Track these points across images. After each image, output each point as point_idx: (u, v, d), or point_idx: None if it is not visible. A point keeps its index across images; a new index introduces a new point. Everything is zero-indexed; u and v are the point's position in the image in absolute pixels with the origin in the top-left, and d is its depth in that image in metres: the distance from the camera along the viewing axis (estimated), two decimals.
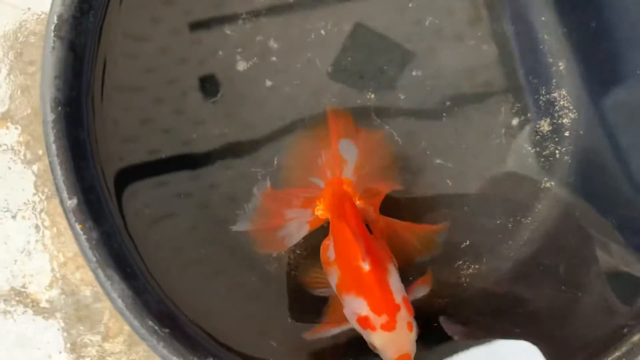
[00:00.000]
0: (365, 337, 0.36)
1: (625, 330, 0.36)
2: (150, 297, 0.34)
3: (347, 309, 0.36)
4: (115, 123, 0.38)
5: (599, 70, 0.46)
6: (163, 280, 0.35)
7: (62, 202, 0.33)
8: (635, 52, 0.45)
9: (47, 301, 0.45)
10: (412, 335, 0.35)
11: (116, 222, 0.34)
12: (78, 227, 0.32)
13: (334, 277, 0.37)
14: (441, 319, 0.42)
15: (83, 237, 0.33)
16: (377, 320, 0.35)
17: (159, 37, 0.44)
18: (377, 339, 0.35)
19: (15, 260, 0.45)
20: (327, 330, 0.39)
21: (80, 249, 0.33)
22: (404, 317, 0.35)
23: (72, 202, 0.32)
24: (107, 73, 0.37)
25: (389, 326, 0.35)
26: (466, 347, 0.40)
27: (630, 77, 0.45)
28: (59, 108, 0.32)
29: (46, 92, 0.32)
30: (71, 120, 0.33)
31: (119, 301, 0.32)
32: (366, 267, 0.35)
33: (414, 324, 0.35)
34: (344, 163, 0.41)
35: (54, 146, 0.32)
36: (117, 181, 0.36)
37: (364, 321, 0.35)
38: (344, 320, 0.37)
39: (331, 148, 0.41)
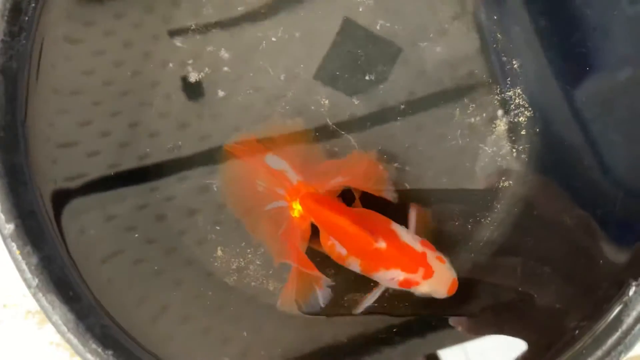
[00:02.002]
0: (412, 291, 0.39)
1: (577, 332, 0.36)
2: (94, 320, 0.33)
3: (383, 280, 0.39)
4: (49, 141, 0.37)
5: (569, 63, 0.45)
6: (108, 301, 0.35)
7: None
8: (605, 41, 0.44)
9: None
10: (447, 263, 0.39)
11: (57, 245, 0.34)
12: (16, 252, 0.32)
13: (354, 265, 0.39)
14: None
15: (22, 263, 0.32)
16: (416, 276, 0.38)
17: (112, 51, 0.44)
18: (424, 288, 0.39)
19: None
20: (370, 297, 0.41)
21: (20, 274, 0.32)
22: (432, 256, 0.39)
23: (9, 228, 0.32)
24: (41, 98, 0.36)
25: (428, 273, 0.38)
26: (469, 338, 0.42)
27: (601, 69, 0.44)
28: None
29: None
30: (6, 145, 0.33)
31: (62, 326, 0.32)
32: (383, 245, 0.38)
33: (440, 253, 0.39)
34: (285, 173, 0.41)
35: None
36: (55, 203, 0.35)
37: (405, 283, 0.39)
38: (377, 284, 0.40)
39: (262, 170, 0.41)
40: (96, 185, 0.40)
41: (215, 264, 0.44)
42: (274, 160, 0.41)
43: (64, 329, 0.32)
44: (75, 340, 0.32)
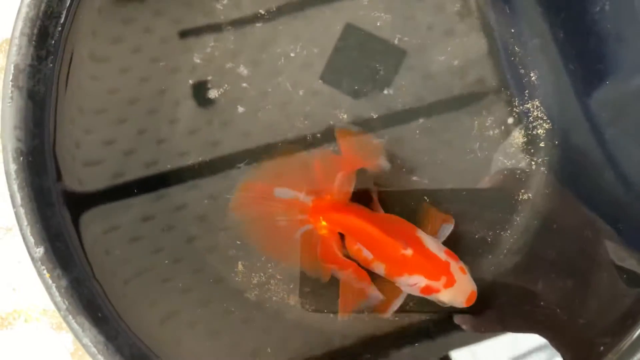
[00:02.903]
0: (431, 298, 0.40)
1: (602, 348, 0.36)
2: (123, 341, 0.34)
3: (405, 285, 0.40)
4: (75, 160, 0.37)
5: (583, 70, 0.45)
6: (134, 322, 0.35)
7: (29, 251, 0.33)
8: (620, 47, 0.44)
9: None
10: (468, 274, 0.40)
11: (84, 267, 0.34)
12: (47, 276, 0.32)
13: (379, 269, 0.40)
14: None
15: (52, 286, 0.33)
16: (438, 284, 0.39)
17: (138, 67, 0.43)
18: (444, 297, 0.39)
19: None
20: (396, 302, 0.41)
21: (50, 297, 0.33)
22: (455, 267, 0.39)
23: (39, 251, 0.32)
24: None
25: (450, 283, 0.39)
26: (476, 338, 0.42)
27: (615, 73, 0.44)
28: (21, 158, 0.32)
29: (7, 143, 0.32)
30: (34, 169, 0.33)
31: (92, 347, 0.32)
32: (409, 252, 0.39)
33: (463, 264, 0.40)
34: (297, 199, 0.42)
35: (18, 196, 0.32)
36: (76, 224, 0.36)
37: (426, 290, 0.39)
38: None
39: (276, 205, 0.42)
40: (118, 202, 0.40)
41: (237, 278, 0.44)
42: (281, 193, 0.42)
43: (94, 350, 0.33)
44: None
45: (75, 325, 0.33)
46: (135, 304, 0.38)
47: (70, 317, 0.33)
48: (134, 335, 0.35)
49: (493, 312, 0.43)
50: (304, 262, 0.42)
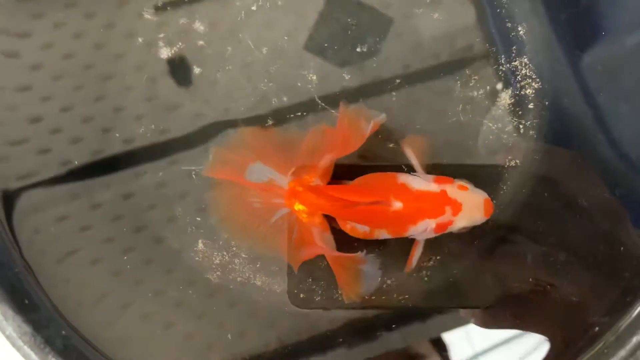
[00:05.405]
0: (452, 231, 0.38)
1: (597, 328, 0.32)
2: (54, 332, 0.29)
3: (418, 235, 0.38)
4: None
5: (573, 30, 0.43)
6: (69, 310, 0.31)
7: None
8: (613, 7, 0.42)
9: None
10: (471, 187, 0.38)
11: (10, 250, 0.30)
12: None
13: (384, 235, 0.38)
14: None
15: None
16: (446, 217, 0.37)
17: (73, 24, 0.40)
18: (460, 223, 0.38)
19: None
20: (416, 253, 0.40)
21: None
22: (454, 190, 0.38)
23: None
24: None
25: (456, 208, 0.37)
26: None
27: (608, 35, 0.42)
28: None
29: None
30: None
31: (17, 339, 0.28)
32: (399, 205, 0.37)
33: (461, 181, 0.38)
34: (273, 181, 0.38)
35: None
36: (5, 199, 0.31)
37: (440, 227, 0.38)
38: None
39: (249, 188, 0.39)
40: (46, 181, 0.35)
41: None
42: (256, 171, 0.38)
43: (20, 342, 0.28)
44: (33, 355, 0.28)
45: None
46: (75, 290, 0.33)
47: None
48: (70, 325, 0.31)
49: (501, 305, 0.41)
50: (281, 251, 0.39)
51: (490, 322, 0.40)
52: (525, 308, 0.40)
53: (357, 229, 0.38)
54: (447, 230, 0.38)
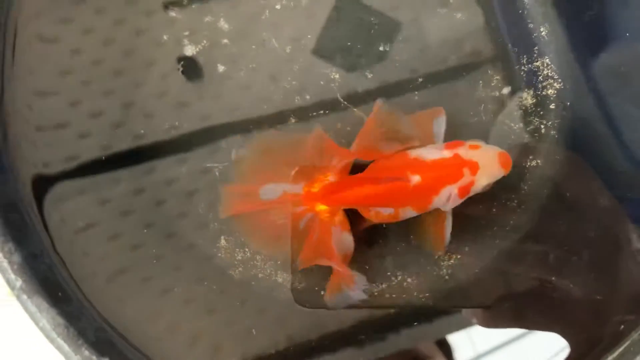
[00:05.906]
0: (475, 191, 0.38)
1: (622, 327, 0.32)
2: (87, 324, 0.30)
3: (443, 205, 0.37)
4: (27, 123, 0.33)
5: (586, 34, 0.43)
6: (101, 302, 0.31)
7: None
8: (625, 11, 0.42)
9: None
10: (483, 145, 0.38)
11: (43, 240, 0.30)
12: None
13: (410, 213, 0.38)
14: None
15: (4, 262, 0.28)
16: (465, 179, 0.37)
17: (101, 29, 0.40)
18: (482, 182, 0.37)
19: None
20: (447, 228, 0.39)
21: (2, 275, 0.29)
22: (465, 150, 0.37)
23: None
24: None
25: (474, 168, 0.37)
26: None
27: (620, 39, 0.42)
28: None
29: None
30: None
31: (51, 331, 0.28)
32: (417, 178, 0.36)
33: (472, 141, 0.38)
34: (287, 193, 0.38)
35: None
36: (36, 191, 0.31)
37: (463, 192, 0.37)
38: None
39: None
40: (83, 169, 0.36)
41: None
42: (269, 191, 0.38)
43: (54, 334, 0.29)
44: (66, 347, 0.29)
45: (31, 307, 0.29)
46: (108, 286, 0.34)
47: (24, 296, 0.29)
48: (103, 317, 0.31)
49: (506, 305, 0.40)
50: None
51: (490, 321, 0.40)
52: (534, 308, 0.40)
53: (381, 213, 0.38)
54: (472, 193, 0.38)
